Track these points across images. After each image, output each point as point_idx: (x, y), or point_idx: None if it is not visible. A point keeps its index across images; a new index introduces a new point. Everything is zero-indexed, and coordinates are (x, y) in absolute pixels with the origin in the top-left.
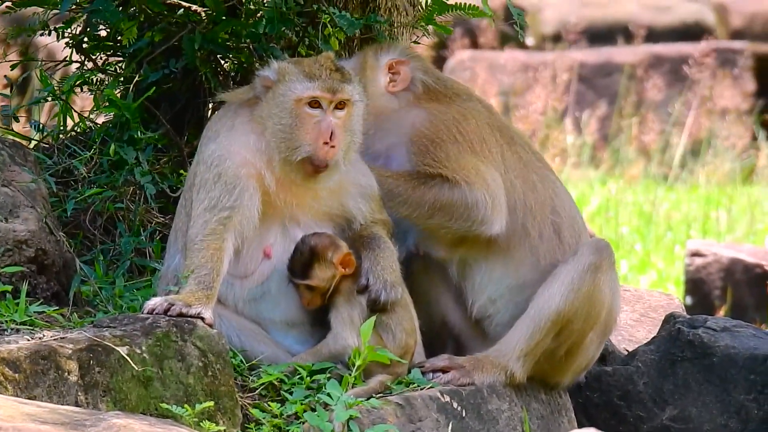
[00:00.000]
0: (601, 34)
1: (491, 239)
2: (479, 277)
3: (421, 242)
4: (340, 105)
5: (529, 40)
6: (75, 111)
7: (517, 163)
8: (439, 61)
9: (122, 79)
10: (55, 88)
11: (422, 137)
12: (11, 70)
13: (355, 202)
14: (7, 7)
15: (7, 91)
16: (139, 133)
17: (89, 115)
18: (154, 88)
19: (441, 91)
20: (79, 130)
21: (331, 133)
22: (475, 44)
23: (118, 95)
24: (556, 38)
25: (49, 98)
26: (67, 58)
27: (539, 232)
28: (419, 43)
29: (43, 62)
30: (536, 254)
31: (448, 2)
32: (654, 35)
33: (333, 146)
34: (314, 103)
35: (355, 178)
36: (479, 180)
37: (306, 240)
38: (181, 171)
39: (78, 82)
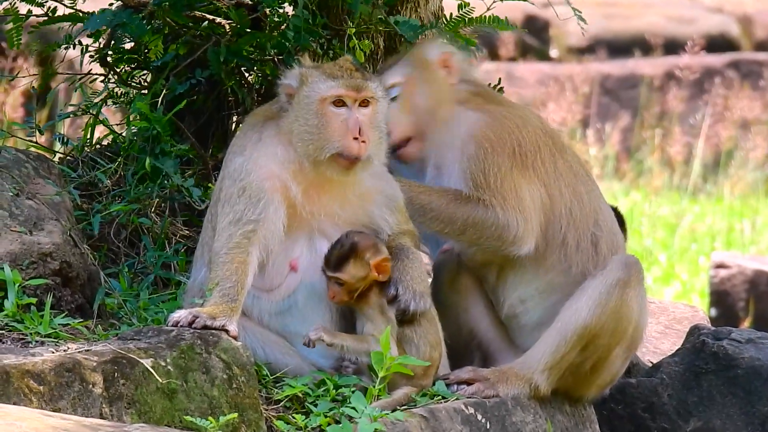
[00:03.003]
0: (624, 46)
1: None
2: (511, 277)
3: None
4: (364, 103)
5: (554, 52)
6: (105, 124)
7: (567, 172)
8: None
9: (146, 92)
10: (85, 101)
11: (484, 139)
12: (37, 85)
13: (380, 211)
14: (35, 23)
15: (31, 104)
16: (169, 146)
17: (122, 129)
18: (185, 100)
19: (489, 92)
20: (106, 143)
21: (360, 128)
22: (495, 55)
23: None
24: (580, 50)
25: (79, 112)
26: (91, 71)
27: (577, 242)
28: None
29: (79, 75)
30: (569, 261)
31: (472, 15)
32: (678, 47)
33: (363, 141)
34: (338, 102)
35: (381, 187)
36: (516, 202)
37: (350, 234)
38: (208, 184)
39: (105, 95)
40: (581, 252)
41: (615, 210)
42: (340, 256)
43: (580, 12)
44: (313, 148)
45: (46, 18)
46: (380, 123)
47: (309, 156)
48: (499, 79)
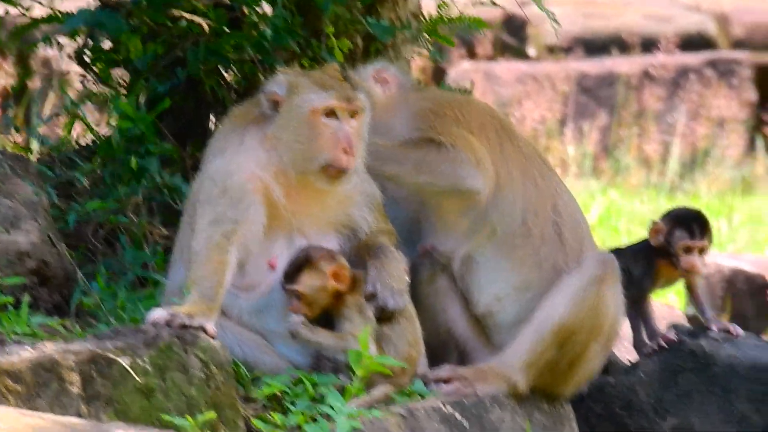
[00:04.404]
0: (602, 45)
1: (494, 233)
2: (485, 274)
3: (429, 234)
4: (353, 114)
5: (531, 51)
6: (86, 123)
7: (518, 155)
8: (438, 72)
9: (125, 91)
10: (65, 101)
11: (426, 110)
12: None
13: (360, 210)
14: (15, 26)
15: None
16: (153, 145)
17: (101, 128)
18: (168, 99)
19: (433, 88)
20: (84, 143)
21: (350, 141)
22: (473, 55)
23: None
24: (558, 49)
25: (61, 112)
26: (69, 71)
27: (541, 232)
28: (421, 55)
29: (62, 75)
30: (538, 255)
31: (450, 14)
32: (655, 45)
33: (352, 154)
34: (330, 113)
35: (361, 186)
36: (466, 143)
37: (305, 248)
38: (188, 184)
39: (85, 95)
40: (547, 243)
41: (698, 212)
42: (294, 267)
43: (554, 14)
44: (302, 158)
45: (28, 22)
46: (364, 134)
47: (297, 166)
48: (472, 82)
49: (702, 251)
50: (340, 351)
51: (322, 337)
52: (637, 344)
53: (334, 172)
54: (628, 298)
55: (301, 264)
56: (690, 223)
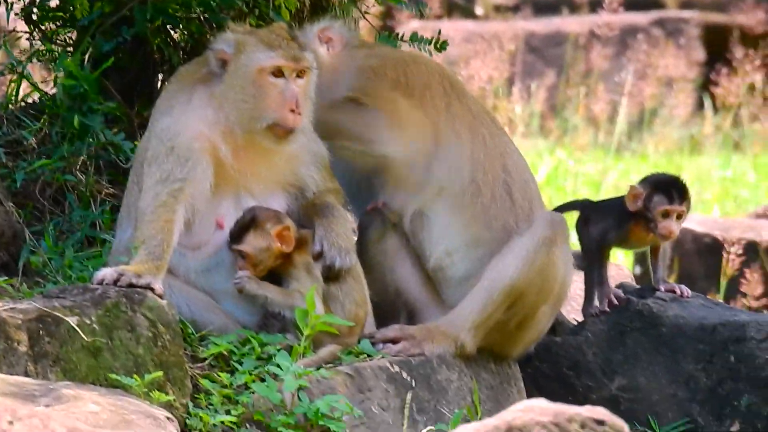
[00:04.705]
0: (551, 4)
1: (443, 190)
2: (436, 229)
3: (380, 191)
4: (300, 73)
5: (479, 10)
6: (31, 82)
7: (466, 114)
8: (388, 32)
9: (71, 50)
10: (11, 59)
11: (368, 68)
12: None
13: (307, 169)
14: None
15: None
16: (97, 103)
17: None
18: (112, 59)
19: (380, 44)
20: (31, 101)
21: (297, 100)
22: (421, 14)
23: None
24: (505, 8)
25: (5, 71)
26: (15, 29)
27: (491, 191)
28: (369, 13)
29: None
30: (488, 213)
31: None
32: (603, 5)
33: (299, 113)
34: (277, 72)
35: (308, 145)
36: (389, 107)
37: (252, 208)
38: (135, 142)
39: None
40: (497, 201)
41: (677, 178)
42: (240, 227)
43: None
44: (248, 117)
45: None
46: (311, 93)
47: (243, 125)
48: (445, 41)
49: (680, 217)
50: (286, 307)
51: (269, 291)
52: (588, 301)
53: (280, 132)
54: (588, 250)
55: (246, 224)
56: (669, 189)
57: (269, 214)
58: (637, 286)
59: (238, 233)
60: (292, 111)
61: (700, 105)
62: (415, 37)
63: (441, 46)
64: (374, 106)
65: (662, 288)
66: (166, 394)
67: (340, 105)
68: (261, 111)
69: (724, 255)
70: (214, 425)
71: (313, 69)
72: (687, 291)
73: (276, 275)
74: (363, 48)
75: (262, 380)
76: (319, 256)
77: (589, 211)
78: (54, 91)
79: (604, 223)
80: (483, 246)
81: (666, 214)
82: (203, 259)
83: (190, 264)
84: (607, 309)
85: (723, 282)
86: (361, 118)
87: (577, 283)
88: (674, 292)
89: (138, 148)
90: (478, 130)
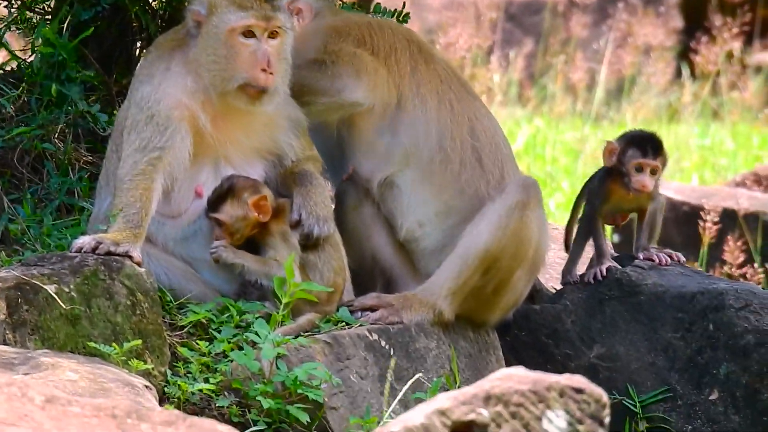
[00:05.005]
0: None
1: (409, 156)
2: (406, 198)
3: (350, 157)
4: (273, 34)
5: None
6: (9, 50)
7: (433, 79)
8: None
9: (50, 18)
10: None
11: (331, 29)
12: None
13: (286, 136)
14: None
15: None
16: (75, 72)
17: (26, 55)
18: (92, 27)
19: (350, 12)
20: (9, 69)
21: (268, 60)
22: None
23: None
24: None
25: None
26: None
27: (460, 157)
28: None
29: None
30: (459, 181)
31: None
32: None
33: (271, 73)
34: (248, 33)
35: (287, 112)
36: (351, 59)
37: (230, 177)
38: (113, 110)
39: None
40: (466, 168)
41: (653, 134)
42: (218, 196)
43: None
44: (220, 78)
45: None
46: (287, 54)
47: (216, 86)
48: (404, 3)
49: (654, 172)
50: (263, 275)
51: (245, 260)
52: (567, 270)
53: (252, 92)
54: (581, 218)
55: (224, 193)
56: (643, 143)
57: (247, 183)
58: (616, 254)
59: (215, 202)
60: (264, 71)
61: (678, 73)
62: (378, 9)
63: (403, 18)
64: (338, 60)
65: (641, 256)
66: (145, 362)
67: (306, 65)
68: (232, 71)
69: (700, 223)
70: (193, 393)
71: (286, 30)
72: (666, 259)
73: (254, 243)
74: (333, 15)
75: (241, 348)
76: (297, 225)
77: (583, 187)
78: (32, 59)
79: (589, 189)
80: (455, 215)
81: (639, 168)
82: (182, 228)
83: (169, 232)
84: (591, 281)
85: (702, 251)
86: (325, 72)
87: (554, 250)
88: (652, 260)
89: (117, 116)
90: (445, 95)
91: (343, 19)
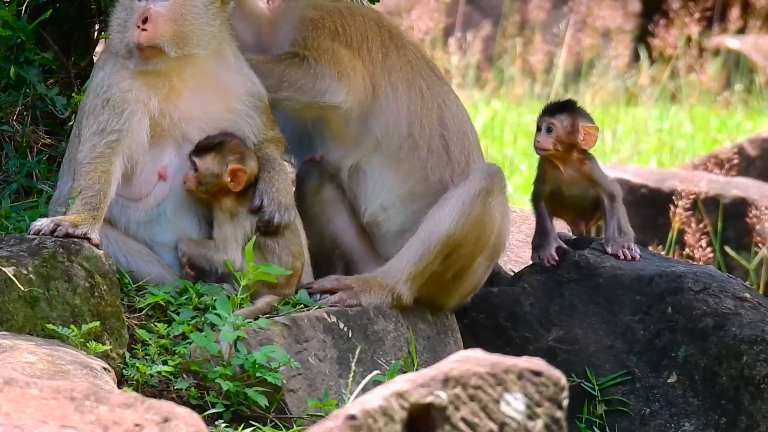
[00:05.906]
0: None
1: (379, 144)
2: (372, 183)
3: (318, 144)
4: None
5: None
6: None
7: (404, 66)
8: None
9: (8, 0)
10: None
11: (307, 20)
12: None
13: (244, 108)
14: None
15: None
16: (33, 54)
17: None
18: (50, 10)
19: None
20: None
21: (146, 17)
22: None
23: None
24: None
25: None
26: None
27: (428, 144)
28: None
29: None
30: (425, 168)
31: None
32: None
33: (144, 29)
34: None
35: (243, 84)
36: (332, 58)
37: (230, 134)
38: (72, 93)
39: None
40: (434, 156)
41: (568, 100)
42: (206, 144)
43: None
44: (117, 42)
45: None
46: (185, 14)
47: (119, 53)
48: None
49: (549, 130)
50: (201, 258)
51: (200, 250)
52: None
53: (137, 52)
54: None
55: (213, 145)
56: (547, 105)
57: (237, 149)
58: (574, 237)
59: (202, 147)
60: (138, 27)
61: (636, 56)
62: None
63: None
64: (318, 58)
65: (609, 250)
66: (103, 344)
67: (284, 59)
68: (122, 34)
69: (671, 208)
70: (151, 375)
71: None
72: (629, 255)
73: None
74: (307, 1)
75: (200, 330)
76: (258, 210)
77: None
78: None
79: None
80: (419, 200)
81: (539, 129)
82: (145, 211)
83: (132, 215)
84: (548, 264)
85: (661, 233)
86: (307, 71)
87: (513, 234)
88: (617, 257)
89: (81, 101)
90: (415, 82)
91: (315, 6)
